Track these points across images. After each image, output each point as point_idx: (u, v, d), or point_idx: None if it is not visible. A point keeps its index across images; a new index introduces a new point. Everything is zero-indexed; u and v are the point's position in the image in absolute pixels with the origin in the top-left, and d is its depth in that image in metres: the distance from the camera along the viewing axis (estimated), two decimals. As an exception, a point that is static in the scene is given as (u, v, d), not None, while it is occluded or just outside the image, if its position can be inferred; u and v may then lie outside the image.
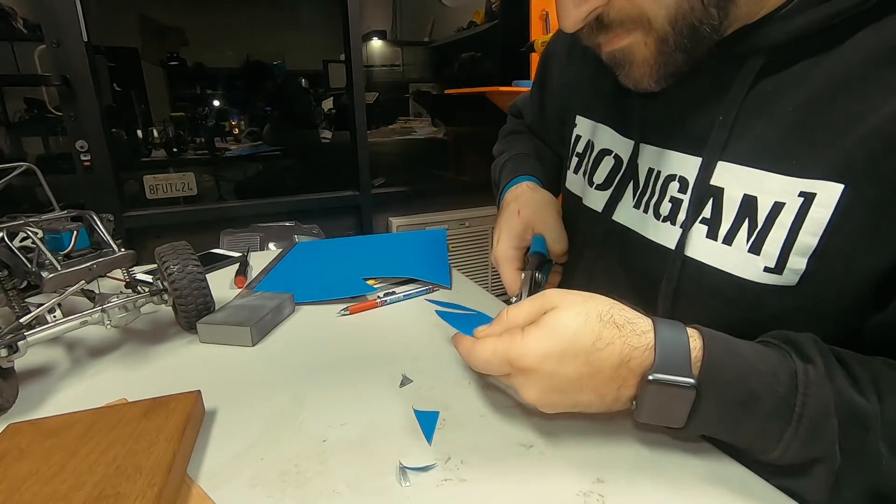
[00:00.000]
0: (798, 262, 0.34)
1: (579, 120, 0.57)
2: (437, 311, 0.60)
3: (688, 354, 0.32)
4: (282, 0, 2.81)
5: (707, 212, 0.39)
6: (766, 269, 0.35)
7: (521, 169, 0.65)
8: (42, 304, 0.46)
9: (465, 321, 0.52)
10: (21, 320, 0.44)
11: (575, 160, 0.57)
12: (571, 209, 0.57)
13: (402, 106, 3.08)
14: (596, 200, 0.51)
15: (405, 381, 0.46)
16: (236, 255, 0.85)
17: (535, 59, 1.74)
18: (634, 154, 0.47)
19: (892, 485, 0.29)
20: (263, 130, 2.44)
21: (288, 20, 2.83)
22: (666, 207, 0.42)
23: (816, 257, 0.33)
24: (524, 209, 0.57)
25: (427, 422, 0.40)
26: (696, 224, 0.39)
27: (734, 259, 0.37)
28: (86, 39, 1.48)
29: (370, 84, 2.66)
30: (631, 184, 0.47)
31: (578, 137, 0.56)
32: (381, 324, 0.59)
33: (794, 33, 0.34)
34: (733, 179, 0.37)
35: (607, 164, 0.50)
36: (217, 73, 2.73)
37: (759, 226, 0.35)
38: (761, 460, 0.33)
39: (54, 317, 0.47)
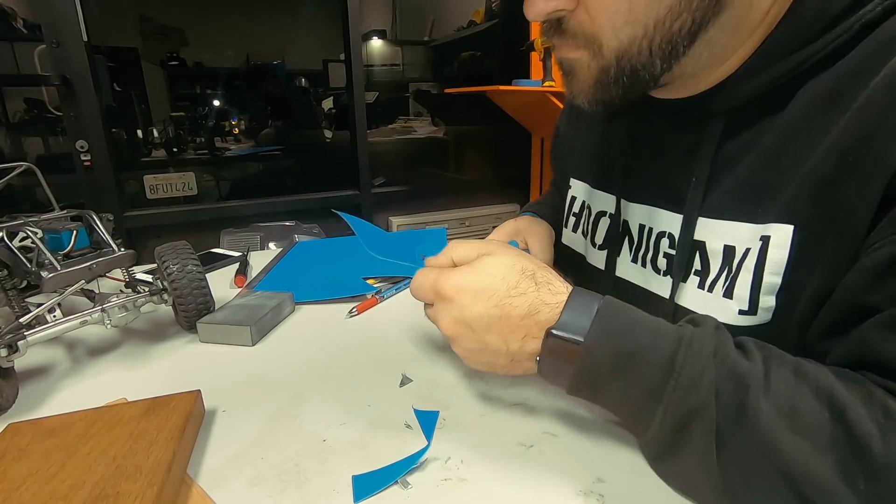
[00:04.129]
0: (768, 301, 0.36)
1: (573, 182, 0.60)
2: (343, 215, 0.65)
3: (592, 318, 0.33)
4: (282, 0, 2.80)
5: (697, 264, 0.42)
6: (741, 312, 0.37)
7: (528, 209, 0.70)
8: (42, 304, 0.46)
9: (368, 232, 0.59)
10: (21, 320, 0.44)
11: (573, 220, 0.60)
12: (573, 266, 0.60)
13: (402, 105, 3.08)
14: (598, 259, 0.54)
15: (405, 381, 0.46)
16: (236, 254, 0.85)
17: (535, 58, 1.74)
18: (618, 210, 0.50)
19: (773, 447, 0.27)
20: (261, 133, 2.44)
21: (288, 20, 2.83)
22: (662, 262, 0.46)
23: (783, 292, 0.36)
24: (519, 220, 0.62)
25: (427, 422, 0.40)
26: (691, 276, 0.42)
27: (713, 305, 0.40)
28: (86, 39, 1.48)
29: (370, 84, 2.65)
30: (626, 240, 0.50)
31: (574, 199, 0.60)
32: (382, 324, 0.59)
33: (743, 97, 0.37)
34: (712, 233, 0.40)
35: (604, 224, 0.53)
36: (217, 73, 2.73)
37: (733, 271, 0.38)
38: (647, 440, 0.33)
39: (54, 316, 0.47)
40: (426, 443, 0.37)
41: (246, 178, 2.31)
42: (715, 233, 0.40)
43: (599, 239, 0.54)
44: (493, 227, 0.63)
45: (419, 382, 0.46)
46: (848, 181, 0.31)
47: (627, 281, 0.50)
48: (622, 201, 0.50)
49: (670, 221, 0.44)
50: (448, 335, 0.39)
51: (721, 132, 0.39)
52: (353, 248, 0.87)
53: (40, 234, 0.50)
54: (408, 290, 0.66)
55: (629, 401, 0.33)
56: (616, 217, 0.50)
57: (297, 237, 1.68)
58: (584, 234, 0.57)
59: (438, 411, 0.41)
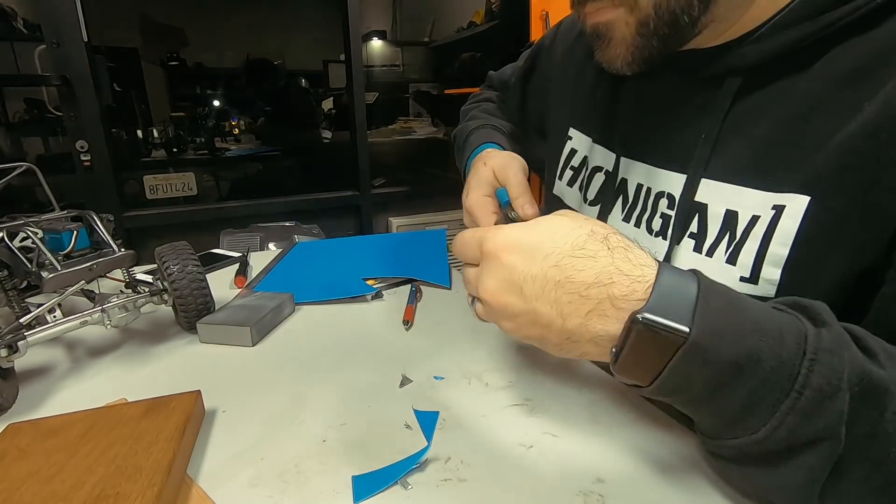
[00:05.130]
0: (772, 273, 0.35)
1: (574, 133, 0.57)
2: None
3: (693, 304, 0.27)
4: (282, 0, 2.80)
5: (694, 227, 0.40)
6: (742, 279, 0.36)
7: (491, 138, 0.65)
8: (42, 304, 0.46)
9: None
10: (21, 320, 0.45)
11: (569, 173, 0.57)
12: None
13: (402, 106, 3.08)
14: (589, 215, 0.51)
15: (405, 381, 0.46)
16: (236, 255, 0.85)
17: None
18: (616, 168, 0.48)
19: None
20: (262, 131, 2.44)
21: (288, 20, 2.83)
22: (657, 223, 0.44)
23: (789, 268, 0.34)
24: (490, 161, 0.55)
25: (427, 422, 0.40)
26: (685, 238, 0.41)
27: (713, 270, 0.37)
28: (86, 39, 1.48)
29: (370, 84, 2.65)
30: (620, 199, 0.48)
31: (574, 151, 0.57)
32: (382, 323, 0.59)
33: (767, 54, 0.35)
34: (716, 195, 0.38)
35: (598, 180, 0.51)
36: (217, 73, 2.73)
37: (738, 238, 0.37)
38: (725, 446, 0.29)
39: (54, 317, 0.47)
40: (426, 443, 0.37)
41: (246, 179, 2.31)
42: (720, 195, 0.38)
43: (592, 195, 0.52)
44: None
45: (419, 382, 0.46)
46: (879, 160, 0.30)
47: None
48: (622, 159, 0.47)
49: (669, 181, 0.42)
50: (489, 302, 0.32)
51: (737, 91, 0.37)
52: (353, 248, 0.87)
53: (40, 234, 0.50)
54: (408, 290, 0.66)
55: (724, 411, 0.28)
56: (613, 174, 0.48)
57: (296, 238, 1.68)
58: (581, 189, 0.54)
59: (438, 412, 0.41)
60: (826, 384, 0.25)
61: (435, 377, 0.47)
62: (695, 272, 0.29)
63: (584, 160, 0.55)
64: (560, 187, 0.58)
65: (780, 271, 0.35)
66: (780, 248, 0.34)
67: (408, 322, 0.58)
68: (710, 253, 0.39)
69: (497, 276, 0.31)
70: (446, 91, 2.20)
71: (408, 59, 3.10)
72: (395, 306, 0.64)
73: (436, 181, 2.44)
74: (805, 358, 0.25)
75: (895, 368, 0.26)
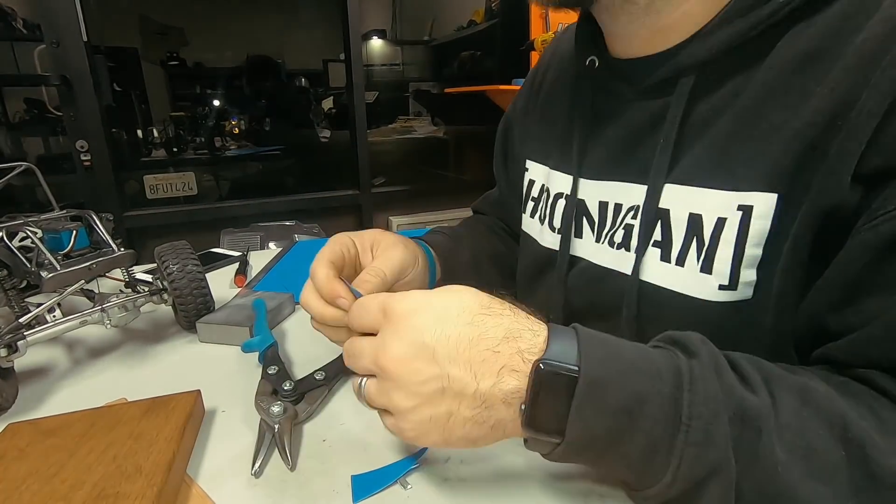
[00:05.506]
0: (749, 275, 0.34)
1: (530, 164, 0.56)
2: None
3: (577, 354, 0.27)
4: (282, 0, 2.80)
5: (658, 234, 0.38)
6: (721, 287, 0.35)
7: (425, 237, 0.58)
8: (42, 304, 0.46)
9: None
10: (21, 320, 0.44)
11: (531, 204, 0.55)
12: (531, 252, 0.55)
13: (402, 105, 3.08)
14: (554, 242, 0.50)
15: None
16: (236, 254, 0.85)
17: (535, 57, 1.73)
18: (574, 191, 0.46)
19: (790, 495, 0.26)
20: (262, 131, 2.44)
21: (288, 20, 2.83)
22: (619, 234, 0.42)
23: (765, 267, 0.33)
24: (383, 238, 0.47)
25: (427, 421, 0.40)
26: (650, 248, 0.39)
27: (688, 280, 0.37)
28: (85, 39, 1.48)
29: (370, 83, 2.66)
30: (584, 220, 0.46)
31: (532, 182, 0.55)
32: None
33: (716, 48, 0.35)
34: (678, 200, 0.37)
35: (560, 206, 0.50)
36: (217, 73, 2.73)
37: (706, 244, 0.35)
38: (649, 494, 0.28)
39: (54, 316, 0.47)
40: (426, 443, 0.37)
41: (246, 178, 2.31)
42: (682, 200, 0.37)
43: (557, 222, 0.50)
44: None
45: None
46: (833, 147, 0.29)
47: (584, 259, 0.46)
48: (580, 180, 0.46)
49: (631, 193, 0.41)
50: (391, 372, 0.29)
51: (690, 92, 0.37)
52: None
53: (40, 234, 0.49)
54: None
55: (636, 457, 0.27)
56: (572, 197, 0.47)
57: (296, 237, 1.69)
58: (542, 220, 0.52)
59: (438, 411, 0.41)
60: (706, 410, 0.26)
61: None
62: (574, 327, 0.29)
63: (543, 188, 0.53)
64: (525, 221, 0.56)
65: (755, 271, 0.34)
66: (755, 249, 0.33)
67: None
68: (679, 262, 0.37)
69: (405, 340, 0.29)
70: (446, 90, 2.20)
71: (408, 58, 3.10)
72: (395, 306, 0.64)
73: (436, 180, 2.45)
74: (684, 390, 0.26)
75: (767, 393, 0.28)
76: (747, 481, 0.26)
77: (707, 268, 0.35)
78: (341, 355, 0.45)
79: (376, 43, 3.02)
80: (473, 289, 0.31)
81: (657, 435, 0.26)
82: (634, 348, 0.29)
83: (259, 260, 0.82)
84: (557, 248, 0.48)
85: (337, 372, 0.45)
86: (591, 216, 0.46)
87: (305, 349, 0.53)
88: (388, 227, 2.09)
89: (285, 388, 0.41)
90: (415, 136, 2.66)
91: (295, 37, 2.85)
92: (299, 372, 0.48)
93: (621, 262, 0.42)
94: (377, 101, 2.78)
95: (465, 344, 0.28)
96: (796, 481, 0.26)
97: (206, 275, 0.56)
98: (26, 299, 0.50)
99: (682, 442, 0.26)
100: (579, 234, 0.47)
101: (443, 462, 0.36)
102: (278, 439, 0.36)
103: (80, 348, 0.54)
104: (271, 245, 1.64)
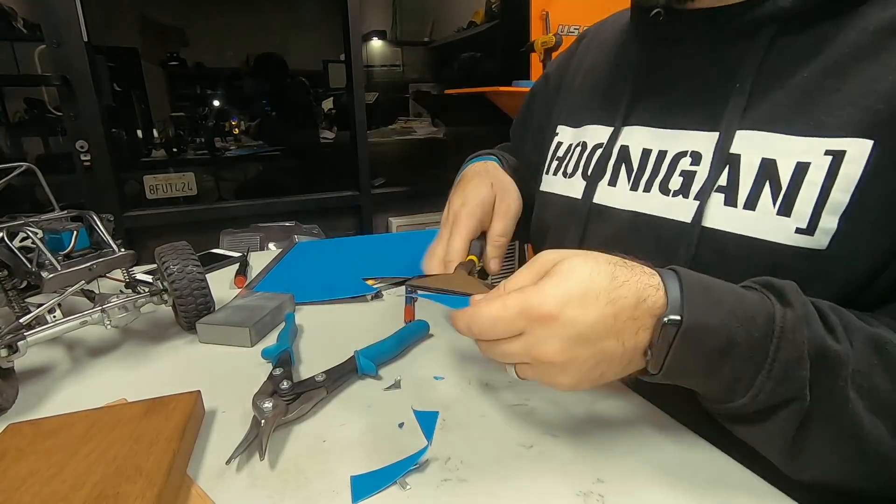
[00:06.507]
0: (829, 222, 0.34)
1: (561, 129, 0.57)
2: (422, 295, 0.58)
3: (680, 299, 0.31)
4: (282, 0, 2.80)
5: (723, 180, 0.39)
6: (798, 231, 0.35)
7: (492, 153, 0.66)
8: (42, 304, 0.46)
9: (454, 301, 0.51)
10: (21, 320, 0.45)
11: (554, 164, 0.57)
12: (548, 206, 0.56)
13: (402, 106, 3.07)
14: (576, 188, 0.51)
15: (394, 386, 0.46)
16: (236, 255, 0.85)
17: (534, 59, 1.74)
18: (614, 140, 0.48)
19: (855, 431, 0.30)
20: (262, 131, 2.44)
21: (288, 20, 2.83)
22: (676, 182, 0.42)
23: (847, 216, 0.34)
24: (497, 183, 0.54)
25: (427, 422, 0.40)
26: (713, 193, 0.39)
27: (761, 224, 0.37)
28: (86, 39, 1.48)
29: (370, 84, 2.65)
30: (623, 167, 0.47)
31: (560, 144, 0.57)
32: (382, 323, 0.59)
33: (804, 1, 0.36)
34: (750, 145, 0.38)
35: (597, 155, 0.50)
36: (217, 73, 2.73)
37: (784, 187, 0.36)
38: (723, 409, 0.33)
39: (54, 317, 0.47)
40: (426, 443, 0.37)
41: (246, 179, 2.31)
42: (755, 145, 0.37)
43: (588, 169, 0.51)
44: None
45: (419, 383, 0.46)
46: None
47: (613, 208, 0.47)
48: (624, 129, 0.47)
49: (698, 140, 0.41)
50: (559, 365, 0.31)
51: (770, 40, 0.37)
52: (353, 248, 0.88)
53: (40, 234, 0.50)
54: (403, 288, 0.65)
55: (715, 386, 0.32)
56: (609, 146, 0.48)
57: (296, 238, 1.69)
58: (565, 174, 0.54)
59: (438, 412, 0.41)
60: (791, 356, 0.30)
61: (435, 377, 0.47)
62: (677, 272, 0.32)
63: (570, 148, 0.55)
64: (546, 181, 0.58)
65: (837, 219, 0.34)
66: (841, 194, 0.34)
67: (408, 322, 0.58)
68: (749, 206, 0.37)
69: (559, 336, 0.30)
70: (446, 91, 2.20)
71: (408, 59, 3.10)
72: (394, 306, 0.64)
73: (436, 181, 2.44)
74: (773, 336, 0.30)
75: (848, 342, 0.31)
76: (818, 411, 0.31)
77: (786, 210, 0.36)
78: (345, 360, 0.46)
79: (376, 44, 3.02)
80: (592, 263, 0.32)
81: (742, 370, 0.31)
82: (733, 294, 0.32)
83: (259, 261, 0.82)
84: (579, 197, 0.50)
85: (339, 375, 0.45)
86: (631, 163, 0.47)
87: (305, 349, 0.53)
88: (387, 229, 2.09)
89: (282, 386, 0.41)
90: (415, 138, 2.66)
91: (295, 37, 2.85)
92: (305, 373, 0.48)
93: (677, 209, 0.42)
94: (377, 102, 2.78)
95: (610, 321, 0.31)
96: (861, 415, 0.30)
97: (207, 275, 0.56)
98: (27, 300, 0.50)
99: (764, 378, 0.30)
100: (613, 183, 0.48)
101: (443, 462, 0.36)
102: (261, 433, 0.37)
103: (81, 349, 0.54)
104: (271, 246, 1.64)
